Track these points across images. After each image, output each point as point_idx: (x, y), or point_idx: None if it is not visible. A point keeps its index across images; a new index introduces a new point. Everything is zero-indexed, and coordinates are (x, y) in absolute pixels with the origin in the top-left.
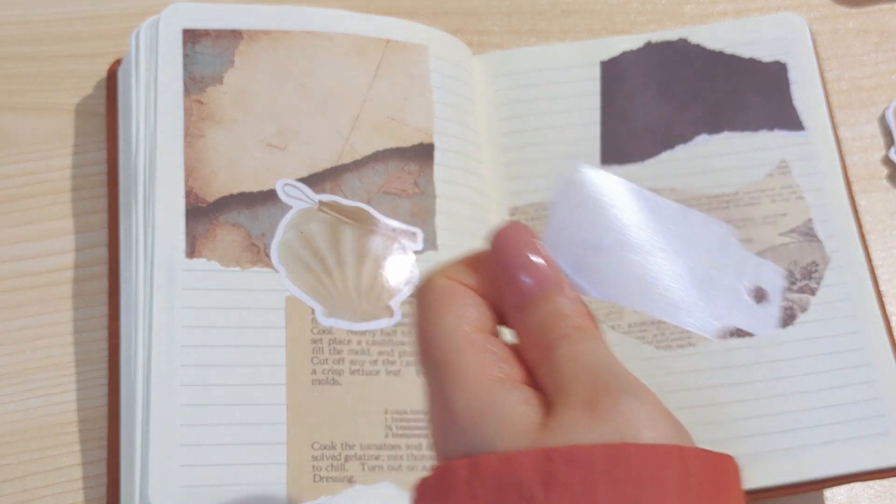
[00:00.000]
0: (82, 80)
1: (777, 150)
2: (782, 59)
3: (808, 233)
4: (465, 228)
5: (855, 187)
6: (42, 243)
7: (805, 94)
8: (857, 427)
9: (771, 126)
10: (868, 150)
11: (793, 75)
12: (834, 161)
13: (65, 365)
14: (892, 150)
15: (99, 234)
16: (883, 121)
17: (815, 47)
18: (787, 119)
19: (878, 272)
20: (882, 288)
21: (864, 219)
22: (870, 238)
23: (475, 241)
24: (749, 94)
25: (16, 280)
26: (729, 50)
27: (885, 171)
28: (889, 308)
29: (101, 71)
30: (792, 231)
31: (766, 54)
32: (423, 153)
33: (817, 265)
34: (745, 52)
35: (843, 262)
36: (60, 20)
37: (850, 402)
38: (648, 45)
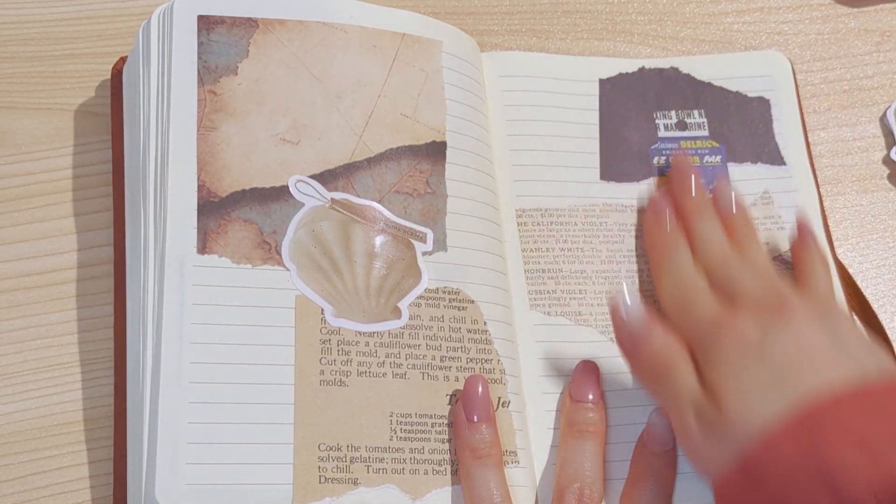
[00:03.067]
0: (83, 80)
1: (760, 181)
2: (766, 95)
3: (789, 261)
4: (475, 229)
5: (855, 187)
6: (43, 243)
7: (786, 130)
8: None
9: (755, 159)
10: (868, 150)
11: (775, 112)
12: (812, 197)
13: (68, 365)
14: (893, 150)
15: (100, 234)
16: (883, 121)
17: (797, 86)
18: (770, 153)
19: (879, 272)
20: (882, 289)
21: (865, 219)
22: (870, 238)
23: (485, 241)
24: (734, 126)
25: (17, 280)
26: (717, 82)
27: (885, 171)
28: (889, 310)
29: (102, 71)
30: (774, 259)
31: (750, 90)
32: (435, 151)
33: None
34: (732, 86)
35: None
36: (61, 20)
37: None
38: (642, 71)
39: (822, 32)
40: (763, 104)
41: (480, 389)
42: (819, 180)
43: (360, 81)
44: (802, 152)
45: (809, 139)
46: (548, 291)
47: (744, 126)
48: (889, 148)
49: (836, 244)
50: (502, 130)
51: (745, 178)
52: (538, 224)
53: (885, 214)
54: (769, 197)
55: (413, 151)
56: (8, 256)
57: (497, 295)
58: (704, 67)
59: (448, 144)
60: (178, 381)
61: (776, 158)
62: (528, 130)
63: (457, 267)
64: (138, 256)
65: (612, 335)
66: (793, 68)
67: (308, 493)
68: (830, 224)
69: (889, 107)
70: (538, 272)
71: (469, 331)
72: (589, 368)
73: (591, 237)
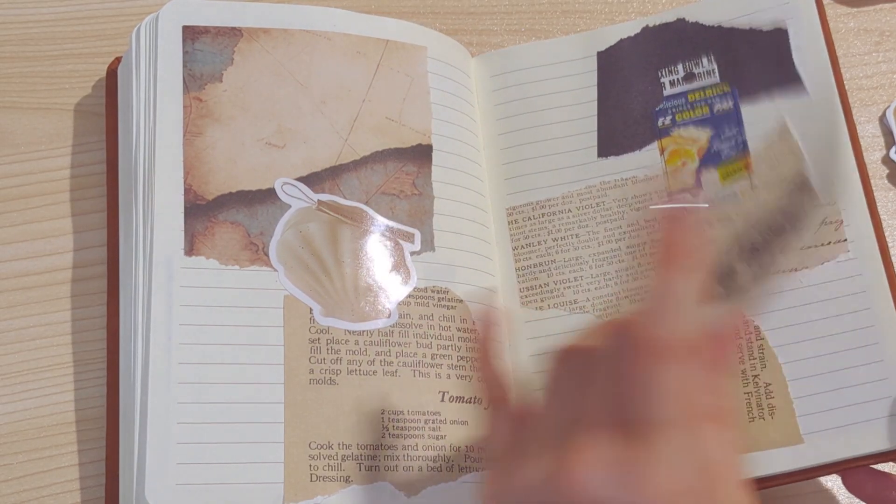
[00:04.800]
0: (82, 80)
1: (777, 117)
2: (782, 25)
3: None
4: (463, 230)
5: None
6: (41, 243)
7: (808, 58)
8: (868, 410)
9: (771, 94)
10: (868, 150)
11: (794, 41)
12: (839, 121)
13: (64, 365)
14: (893, 149)
15: (98, 234)
16: (883, 121)
17: (822, 11)
18: (789, 84)
19: None
20: None
21: None
22: None
23: (473, 242)
24: (748, 63)
25: (15, 280)
26: (727, 24)
27: (885, 170)
28: None
29: (100, 70)
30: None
31: (766, 23)
32: (421, 154)
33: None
34: (744, 23)
35: (851, 232)
36: (60, 20)
37: (858, 384)
38: (645, 30)
39: None
40: (780, 35)
41: None
42: None
43: (345, 86)
44: (829, 81)
45: None
46: (539, 286)
47: (759, 62)
48: (889, 148)
49: None
50: (493, 131)
51: (762, 118)
52: (529, 219)
53: (885, 214)
54: (786, 129)
55: (399, 154)
56: (6, 256)
57: (484, 296)
58: (713, 10)
59: (434, 147)
60: (167, 382)
61: (797, 88)
62: (519, 125)
63: (445, 267)
64: (129, 258)
65: (611, 317)
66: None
67: (299, 492)
68: None
69: (889, 107)
70: (529, 268)
71: (458, 329)
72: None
73: (588, 220)
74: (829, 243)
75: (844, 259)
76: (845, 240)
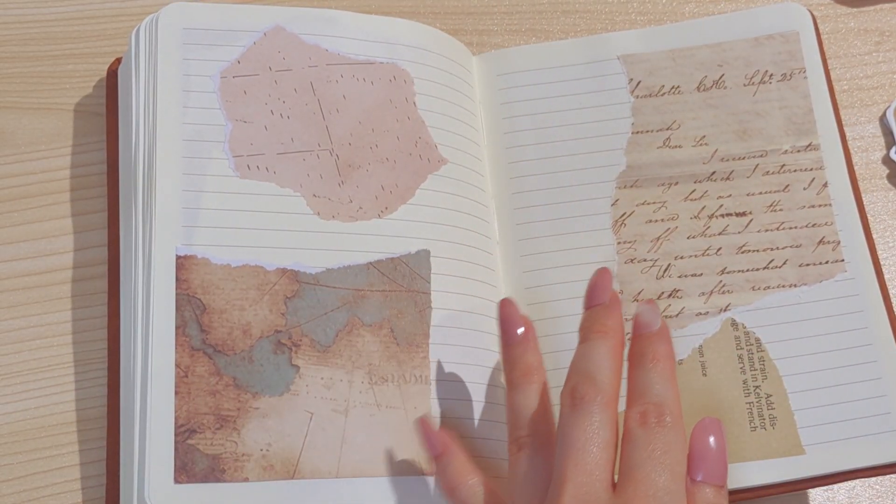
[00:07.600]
0: (83, 80)
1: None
2: None
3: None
4: (467, 227)
5: None
6: (42, 243)
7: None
8: (867, 424)
9: None
10: (868, 150)
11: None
12: (839, 159)
13: (64, 365)
14: (893, 150)
15: (98, 234)
16: (883, 121)
17: (819, 36)
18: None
19: None
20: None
21: None
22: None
23: (478, 239)
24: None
25: (15, 280)
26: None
27: (885, 171)
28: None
29: (101, 70)
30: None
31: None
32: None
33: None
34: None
35: (849, 254)
36: (60, 20)
37: (857, 399)
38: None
39: (822, 32)
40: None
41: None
42: None
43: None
44: (828, 110)
45: None
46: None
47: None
48: (889, 148)
49: None
50: (498, 129)
51: None
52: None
53: (885, 214)
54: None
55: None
56: (7, 256)
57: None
58: (713, 29)
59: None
60: (168, 382)
61: None
62: (524, 125)
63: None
64: (129, 258)
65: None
66: (814, 20)
67: None
68: None
69: (889, 107)
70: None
71: None
72: (602, 274)
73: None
74: (826, 262)
75: (842, 279)
76: (843, 260)
